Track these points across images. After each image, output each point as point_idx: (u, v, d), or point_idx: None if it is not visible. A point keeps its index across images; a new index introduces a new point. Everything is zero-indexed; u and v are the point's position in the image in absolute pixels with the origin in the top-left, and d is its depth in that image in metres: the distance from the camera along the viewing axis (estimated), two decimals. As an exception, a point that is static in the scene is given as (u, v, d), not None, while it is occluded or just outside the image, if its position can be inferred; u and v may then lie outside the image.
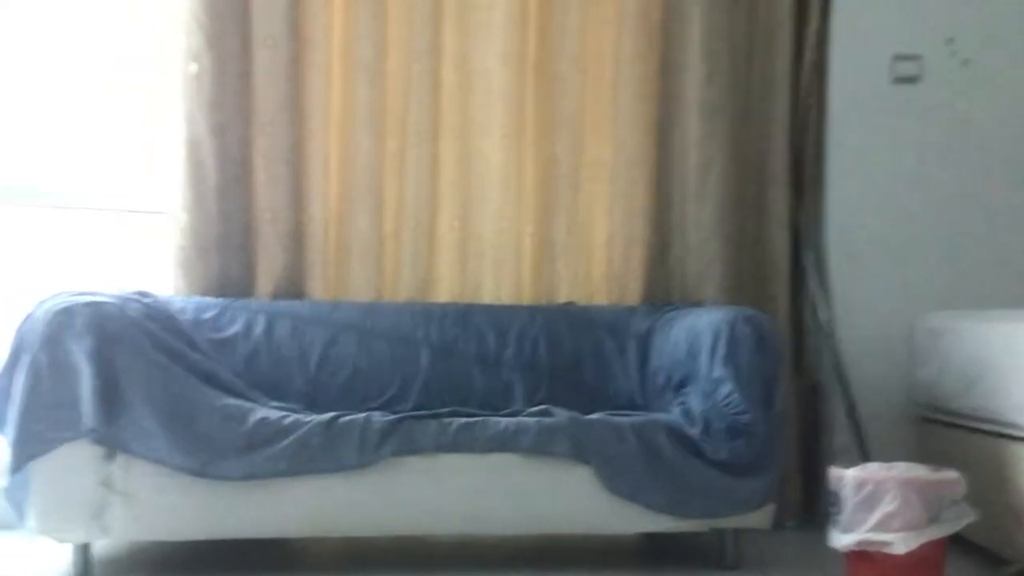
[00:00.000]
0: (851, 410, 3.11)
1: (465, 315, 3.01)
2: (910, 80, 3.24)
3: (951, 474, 2.37)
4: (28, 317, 2.44)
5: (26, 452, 2.34)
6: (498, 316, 3.03)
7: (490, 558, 2.76)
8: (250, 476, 2.38)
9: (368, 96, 3.07)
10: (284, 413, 2.49)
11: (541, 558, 2.82)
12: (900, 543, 2.27)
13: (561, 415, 2.55)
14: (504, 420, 2.52)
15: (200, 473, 2.37)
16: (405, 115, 3.11)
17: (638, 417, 2.60)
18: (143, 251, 3.13)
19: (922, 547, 2.28)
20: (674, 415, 2.62)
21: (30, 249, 3.14)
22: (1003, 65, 3.27)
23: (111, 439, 2.34)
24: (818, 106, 3.26)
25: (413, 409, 2.71)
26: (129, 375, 2.36)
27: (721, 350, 2.59)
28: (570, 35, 3.17)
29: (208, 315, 2.86)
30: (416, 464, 2.45)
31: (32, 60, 3.16)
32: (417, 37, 3.10)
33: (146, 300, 2.71)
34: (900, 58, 3.24)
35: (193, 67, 2.97)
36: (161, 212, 3.03)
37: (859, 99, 3.24)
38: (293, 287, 3.04)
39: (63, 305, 2.39)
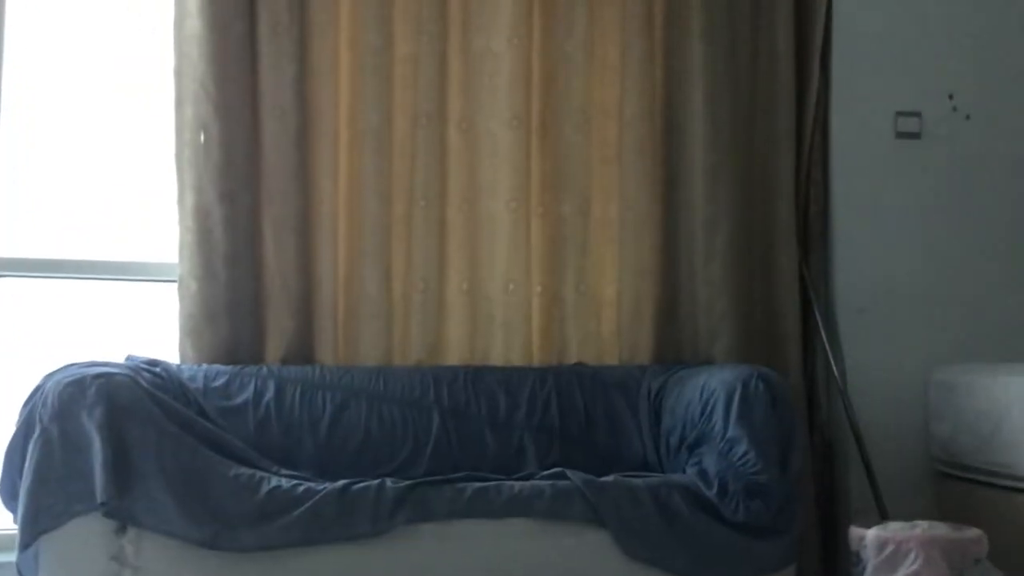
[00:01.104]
0: (867, 467, 3.08)
1: (475, 378, 2.99)
2: (913, 136, 3.27)
3: (974, 532, 2.35)
4: (37, 390, 2.42)
5: (36, 527, 2.30)
6: (508, 378, 3.01)
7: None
8: (263, 547, 2.34)
9: (375, 162, 3.09)
10: (296, 481, 2.45)
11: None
12: (924, 604, 2.25)
13: (576, 478, 2.51)
14: (518, 484, 2.49)
15: (212, 545, 2.32)
16: (412, 180, 3.13)
17: (653, 478, 2.57)
18: (152, 319, 3.13)
19: (947, 608, 2.26)
20: (689, 476, 2.59)
21: (38, 319, 3.14)
22: (1005, 119, 3.30)
23: (122, 512, 2.30)
24: (822, 163, 3.29)
25: (425, 473, 2.68)
26: (140, 447, 2.33)
27: (735, 409, 2.57)
28: (574, 97, 3.20)
29: (218, 383, 2.84)
30: (430, 531, 2.41)
31: (39, 131, 3.19)
32: (422, 102, 3.13)
33: (156, 369, 2.70)
34: (902, 114, 3.27)
35: (201, 136, 2.99)
36: (170, 280, 3.04)
37: (862, 155, 3.27)
38: (303, 353, 3.03)
39: (74, 377, 2.37)
